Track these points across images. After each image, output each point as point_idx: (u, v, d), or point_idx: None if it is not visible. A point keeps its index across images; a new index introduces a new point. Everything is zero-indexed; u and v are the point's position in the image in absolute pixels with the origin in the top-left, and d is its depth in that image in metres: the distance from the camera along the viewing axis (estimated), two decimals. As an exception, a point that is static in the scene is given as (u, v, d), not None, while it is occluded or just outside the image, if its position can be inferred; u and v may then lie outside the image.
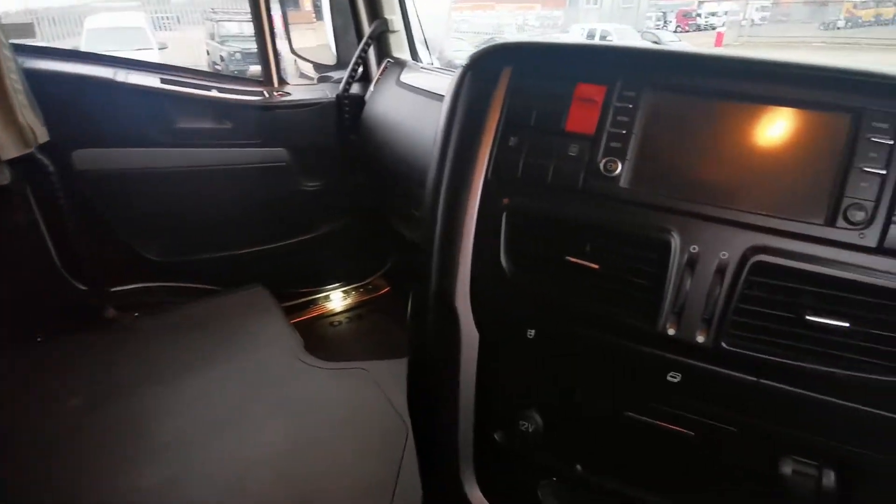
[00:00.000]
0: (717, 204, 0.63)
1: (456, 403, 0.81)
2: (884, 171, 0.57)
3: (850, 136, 0.58)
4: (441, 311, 0.78)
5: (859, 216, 0.57)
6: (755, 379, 0.63)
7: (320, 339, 1.85)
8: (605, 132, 0.68)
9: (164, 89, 1.55)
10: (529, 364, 0.76)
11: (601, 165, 0.68)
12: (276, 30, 1.73)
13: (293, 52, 1.91)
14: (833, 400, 0.60)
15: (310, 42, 2.36)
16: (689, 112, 0.66)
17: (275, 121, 1.68)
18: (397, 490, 1.00)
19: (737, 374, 0.63)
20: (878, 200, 0.57)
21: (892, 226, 0.57)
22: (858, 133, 0.58)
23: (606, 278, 0.68)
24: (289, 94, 1.74)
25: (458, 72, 0.76)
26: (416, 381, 0.90)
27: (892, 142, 0.57)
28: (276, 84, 1.77)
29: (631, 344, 0.67)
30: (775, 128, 0.62)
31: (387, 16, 1.80)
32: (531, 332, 0.73)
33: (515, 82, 0.73)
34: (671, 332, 0.64)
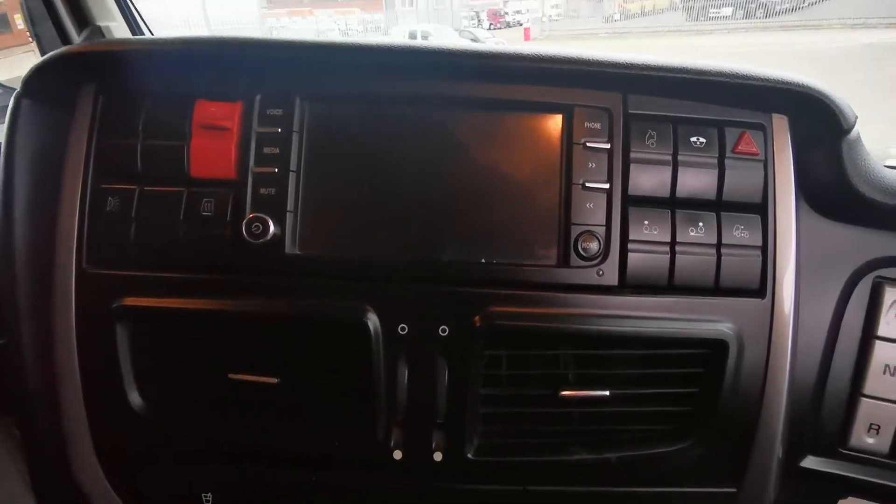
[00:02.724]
0: (424, 260, 0.46)
1: None
2: (607, 185, 0.46)
3: (566, 144, 0.46)
4: (56, 487, 0.50)
5: (592, 247, 0.46)
6: (522, 489, 0.48)
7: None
8: (249, 174, 0.46)
9: None
10: None
11: (244, 229, 0.45)
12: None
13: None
14: (617, 490, 0.48)
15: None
16: (368, 131, 0.47)
17: None
18: None
19: (498, 489, 0.48)
20: (608, 223, 0.46)
21: (631, 254, 0.46)
22: (573, 138, 0.46)
23: (296, 391, 0.47)
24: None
25: (10, 105, 0.47)
26: None
27: (608, 146, 0.46)
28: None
29: (352, 476, 0.48)
30: (485, 145, 0.47)
31: (102, 23, 1.41)
32: (207, 497, 0.49)
33: (105, 108, 0.47)
34: (397, 455, 0.46)
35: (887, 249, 0.50)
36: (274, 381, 0.46)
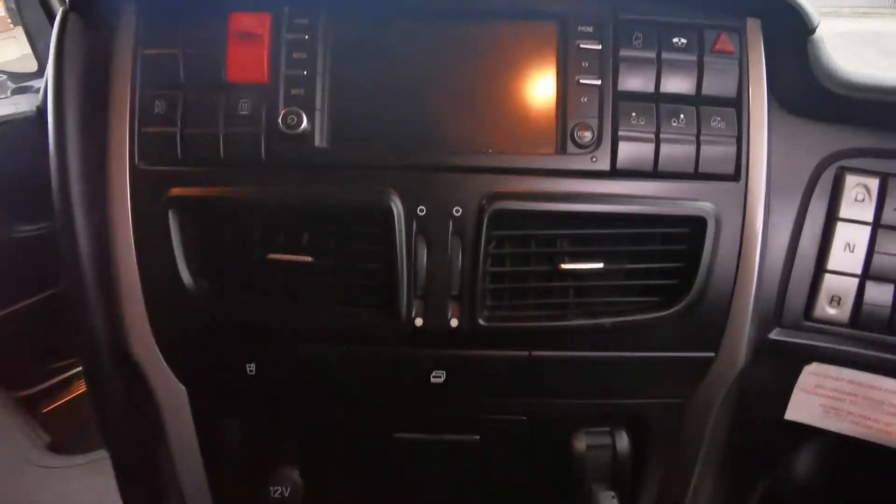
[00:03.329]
0: (438, 150, 0.52)
1: (179, 490, 0.58)
2: (598, 81, 0.52)
3: (561, 46, 0.52)
4: (116, 369, 0.55)
5: (587, 137, 0.52)
6: (527, 353, 0.53)
7: (88, 423, 1.46)
8: (281, 78, 0.50)
9: None
10: (262, 409, 0.57)
11: (280, 122, 0.50)
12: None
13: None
14: (610, 355, 0.54)
15: (11, 54, 1.88)
16: (386, 40, 0.52)
17: None
18: None
19: (506, 354, 0.54)
20: (600, 115, 0.52)
21: (621, 143, 0.52)
22: (567, 41, 0.52)
23: (327, 272, 0.52)
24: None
25: (57, 19, 0.52)
26: (123, 477, 0.65)
27: (600, 46, 0.52)
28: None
29: (377, 349, 0.53)
30: (490, 49, 0.53)
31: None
32: (251, 368, 0.53)
33: (146, 22, 0.52)
34: (419, 322, 0.51)
35: (848, 142, 0.57)
36: (309, 259, 0.51)
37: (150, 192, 0.52)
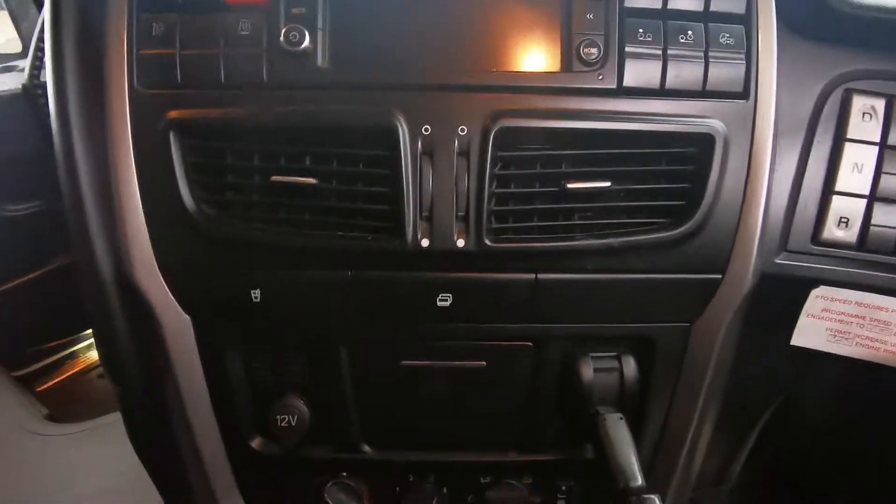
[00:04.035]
0: (442, 69, 0.51)
1: (187, 422, 0.57)
2: None
3: None
4: (120, 300, 0.54)
5: (593, 53, 0.51)
6: (533, 276, 0.52)
7: (84, 399, 1.45)
8: None
9: None
10: (268, 336, 0.56)
11: (282, 38, 0.49)
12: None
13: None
14: (617, 277, 0.54)
15: (-5, 36, 1.84)
16: None
17: None
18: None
19: (513, 277, 0.53)
20: (607, 32, 0.51)
21: (628, 60, 0.51)
22: None
23: (331, 195, 0.51)
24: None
25: None
26: (129, 409, 0.64)
27: None
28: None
29: (383, 273, 0.52)
30: None
31: None
32: (256, 294, 0.52)
33: None
34: (425, 243, 0.50)
35: (855, 64, 0.56)
36: (313, 181, 0.50)
37: (150, 116, 0.51)
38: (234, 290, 0.54)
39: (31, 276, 1.44)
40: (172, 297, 0.54)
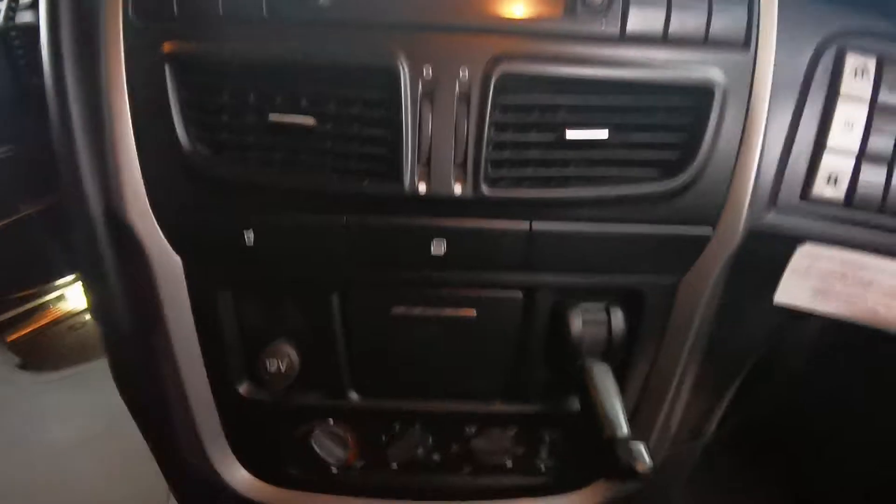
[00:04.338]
0: (445, 9, 0.50)
1: (174, 365, 0.56)
2: None
3: None
4: (110, 239, 0.52)
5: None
6: (527, 225, 0.52)
7: (54, 351, 1.42)
8: None
9: None
10: (259, 280, 0.55)
11: None
12: None
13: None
14: (610, 228, 0.54)
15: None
16: None
17: None
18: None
19: (507, 225, 0.53)
20: None
21: (632, 6, 0.50)
22: None
23: (328, 137, 0.50)
24: None
25: None
26: (115, 352, 0.63)
27: None
28: None
29: (379, 218, 0.51)
30: None
31: None
32: (248, 237, 0.51)
33: None
34: (422, 188, 0.49)
35: (850, 21, 0.56)
36: (311, 121, 0.48)
37: (145, 48, 0.48)
38: (227, 232, 0.52)
39: (10, 219, 1.39)
40: (163, 236, 0.53)
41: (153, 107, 0.49)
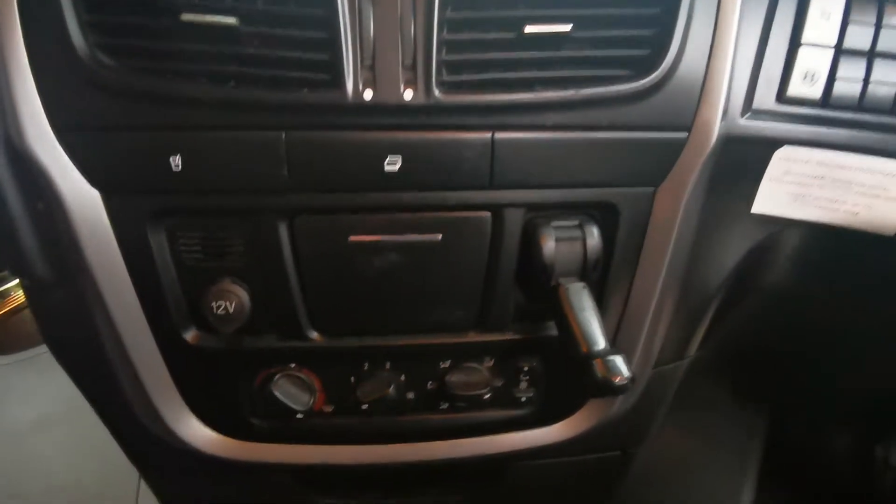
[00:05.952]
0: None
1: (108, 318, 0.51)
2: None
3: None
4: (14, 175, 0.47)
5: None
6: (489, 135, 0.48)
7: (17, 337, 1.36)
8: None
9: None
10: (194, 212, 0.50)
11: None
12: None
13: None
14: (579, 135, 0.50)
15: None
16: None
17: None
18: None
19: (467, 136, 0.48)
20: None
21: None
22: None
23: (256, 41, 0.44)
24: None
25: None
26: (41, 310, 0.57)
27: None
28: None
29: (321, 133, 0.46)
30: None
31: None
32: (176, 161, 0.46)
33: None
34: (368, 95, 0.44)
35: None
36: (232, 21, 0.43)
37: None
38: (149, 157, 0.46)
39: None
40: (74, 167, 0.47)
41: (43, 9, 0.42)
